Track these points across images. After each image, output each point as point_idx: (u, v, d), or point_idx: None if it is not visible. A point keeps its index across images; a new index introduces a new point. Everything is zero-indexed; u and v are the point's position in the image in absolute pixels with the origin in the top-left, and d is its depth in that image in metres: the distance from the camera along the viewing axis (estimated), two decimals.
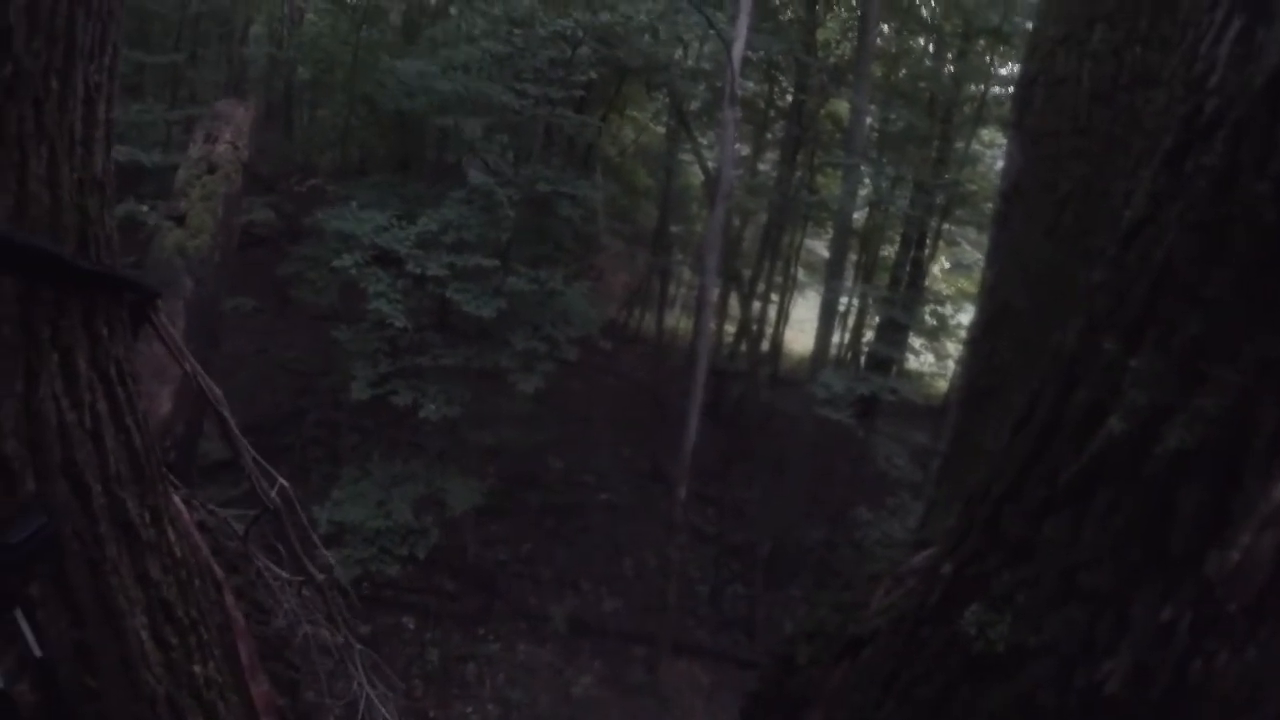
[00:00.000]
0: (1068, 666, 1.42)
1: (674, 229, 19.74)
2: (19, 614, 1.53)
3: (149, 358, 3.16)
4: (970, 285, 21.68)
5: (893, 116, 16.54)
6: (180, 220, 4.03)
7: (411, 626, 12.39)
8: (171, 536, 1.97)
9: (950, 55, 18.45)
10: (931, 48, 19.04)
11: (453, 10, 15.12)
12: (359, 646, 2.80)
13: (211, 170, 4.30)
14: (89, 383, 1.77)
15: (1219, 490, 1.32)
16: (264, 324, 15.49)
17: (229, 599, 2.30)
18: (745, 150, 19.89)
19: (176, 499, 2.41)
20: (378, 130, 16.49)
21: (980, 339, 3.34)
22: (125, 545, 1.80)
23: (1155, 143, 1.62)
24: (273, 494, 2.50)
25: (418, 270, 10.01)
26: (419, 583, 12.42)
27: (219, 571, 2.35)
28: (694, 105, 17.62)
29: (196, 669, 1.95)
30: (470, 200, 10.59)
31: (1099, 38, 3.18)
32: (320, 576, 2.76)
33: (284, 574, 2.91)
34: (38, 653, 1.51)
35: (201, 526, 2.56)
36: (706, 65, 17.35)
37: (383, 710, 2.79)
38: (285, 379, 15.30)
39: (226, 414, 2.34)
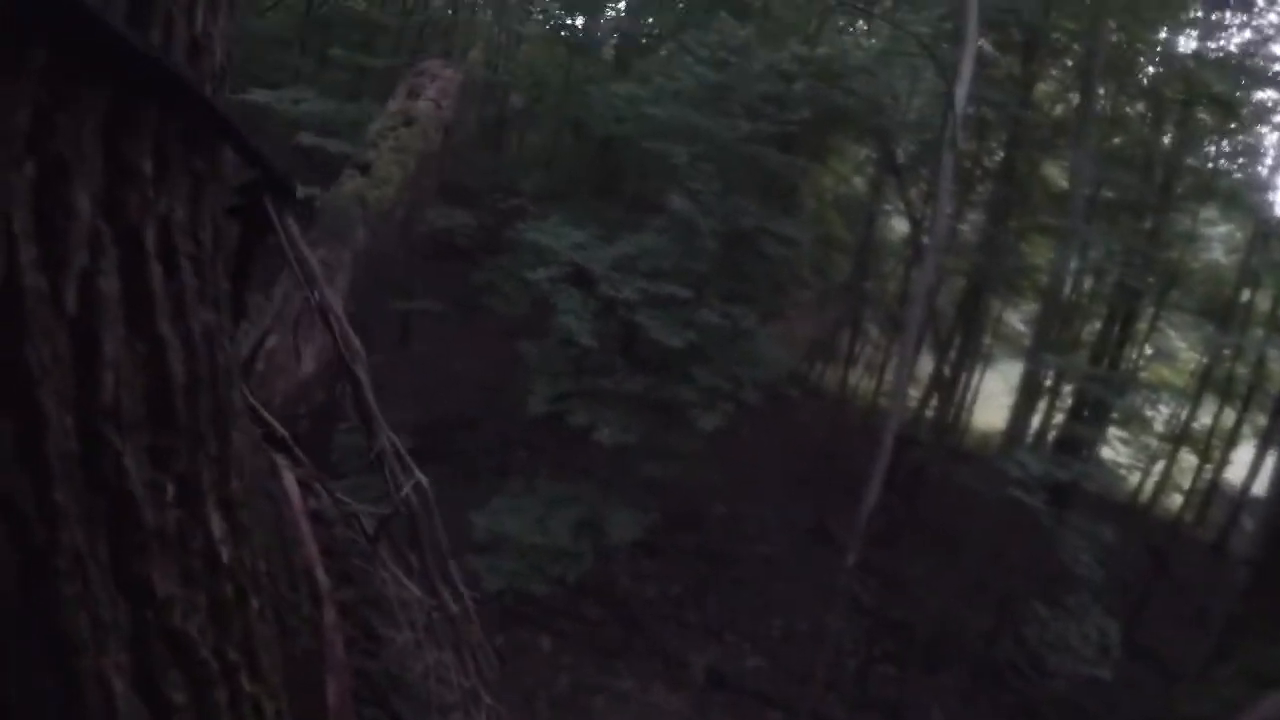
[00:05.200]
0: None
1: (865, 285, 19.08)
2: None
3: (302, 309, 2.77)
4: (1174, 376, 19.84)
5: (1108, 185, 15.39)
6: (365, 170, 3.70)
7: (547, 647, 12.20)
8: (216, 530, 1.28)
9: (1169, 125, 17.04)
10: (1150, 114, 17.61)
11: (663, 52, 15.21)
12: (488, 700, 2.30)
13: (409, 124, 3.95)
14: (139, 218, 1.08)
15: None
16: (450, 330, 15.93)
17: (329, 618, 1.75)
18: (948, 210, 19.06)
19: (288, 476, 1.89)
20: (580, 157, 16.76)
21: None
22: (101, 528, 1.07)
23: None
24: (406, 493, 2.04)
25: (610, 292, 9.92)
26: (563, 605, 12.24)
27: (323, 580, 1.78)
28: (900, 158, 17.03)
29: None
30: (670, 229, 10.45)
31: None
32: (456, 607, 2.26)
33: (416, 590, 2.33)
34: None
35: (318, 518, 2.01)
36: (913, 118, 16.78)
37: None
38: (465, 386, 15.64)
39: (362, 374, 1.92)
